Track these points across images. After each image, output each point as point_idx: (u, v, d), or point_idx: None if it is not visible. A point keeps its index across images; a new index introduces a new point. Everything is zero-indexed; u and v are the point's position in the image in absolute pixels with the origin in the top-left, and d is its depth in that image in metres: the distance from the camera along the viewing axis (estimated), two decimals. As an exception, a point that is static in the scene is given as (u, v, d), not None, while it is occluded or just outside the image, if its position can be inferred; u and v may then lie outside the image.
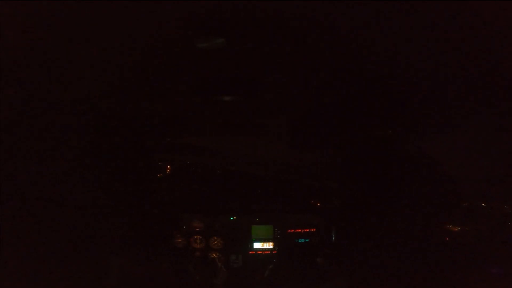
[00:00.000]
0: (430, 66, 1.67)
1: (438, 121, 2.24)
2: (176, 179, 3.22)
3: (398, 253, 2.18)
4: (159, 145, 3.08)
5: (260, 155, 3.06)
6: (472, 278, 1.98)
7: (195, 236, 2.85)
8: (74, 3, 1.17)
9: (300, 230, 2.89)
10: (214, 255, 2.79)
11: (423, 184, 2.28)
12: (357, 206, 2.74)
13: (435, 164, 2.29)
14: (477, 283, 1.97)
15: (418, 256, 2.15)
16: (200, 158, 3.20)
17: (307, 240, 2.89)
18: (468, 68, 1.62)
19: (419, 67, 1.70)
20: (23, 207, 1.89)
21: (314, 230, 2.89)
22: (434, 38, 1.40)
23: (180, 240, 2.85)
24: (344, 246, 2.70)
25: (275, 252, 2.85)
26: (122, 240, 2.51)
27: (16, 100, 1.81)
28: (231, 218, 2.89)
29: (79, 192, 2.24)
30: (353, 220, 2.73)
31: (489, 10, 1.18)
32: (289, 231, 2.89)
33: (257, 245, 2.86)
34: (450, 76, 1.74)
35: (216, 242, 2.85)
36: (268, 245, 2.86)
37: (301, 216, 2.93)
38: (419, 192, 2.29)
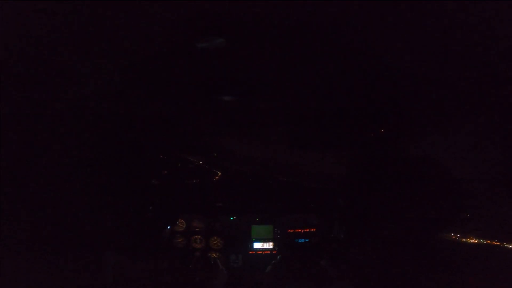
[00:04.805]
0: (431, 66, 1.67)
1: (445, 122, 2.22)
2: (177, 178, 3.22)
3: (406, 256, 2.16)
4: (159, 144, 3.08)
5: (260, 155, 3.06)
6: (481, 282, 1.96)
7: (195, 236, 2.85)
8: (74, 3, 1.16)
9: (300, 230, 2.90)
10: (214, 255, 2.80)
11: (433, 185, 2.25)
12: (362, 207, 2.73)
13: (443, 165, 2.26)
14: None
15: (427, 259, 2.12)
16: (200, 158, 3.21)
17: (307, 240, 2.90)
18: (470, 67, 1.61)
19: (420, 66, 1.69)
20: (19, 204, 1.88)
21: (314, 230, 2.90)
22: (436, 37, 1.39)
23: (180, 240, 2.85)
24: (348, 248, 2.69)
25: (275, 252, 2.85)
26: (121, 240, 2.51)
27: (17, 101, 1.81)
28: (231, 218, 2.90)
29: (77, 190, 2.24)
30: (357, 221, 2.72)
31: (490, 10, 1.18)
32: (289, 231, 2.89)
33: (257, 245, 2.86)
34: (452, 76, 1.73)
35: (216, 242, 2.85)
36: (268, 245, 2.86)
37: (301, 216, 2.93)
38: (428, 193, 2.26)
